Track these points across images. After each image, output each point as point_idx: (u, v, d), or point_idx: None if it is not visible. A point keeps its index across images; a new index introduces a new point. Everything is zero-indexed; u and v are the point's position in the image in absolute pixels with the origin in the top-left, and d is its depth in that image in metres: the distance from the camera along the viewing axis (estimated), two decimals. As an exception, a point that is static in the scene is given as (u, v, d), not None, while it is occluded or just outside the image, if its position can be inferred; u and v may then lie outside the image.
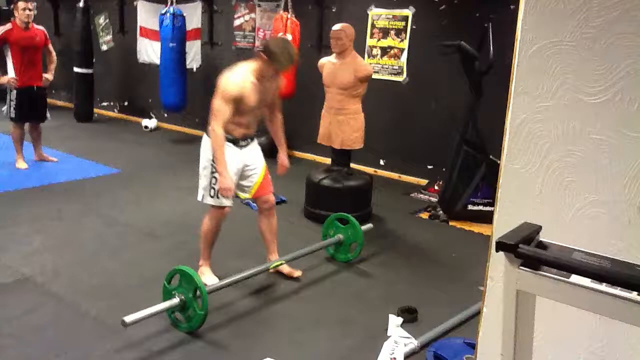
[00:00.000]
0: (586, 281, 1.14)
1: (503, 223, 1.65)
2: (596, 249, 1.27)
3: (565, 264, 1.17)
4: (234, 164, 3.22)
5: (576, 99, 1.55)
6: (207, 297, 2.79)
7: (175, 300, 2.82)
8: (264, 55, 3.09)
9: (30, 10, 5.46)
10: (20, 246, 3.82)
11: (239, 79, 3.09)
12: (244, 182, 3.37)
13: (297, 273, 3.57)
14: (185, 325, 2.86)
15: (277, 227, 3.58)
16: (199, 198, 3.28)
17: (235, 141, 3.22)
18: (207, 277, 3.34)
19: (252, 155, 3.36)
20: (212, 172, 3.17)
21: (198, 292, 2.79)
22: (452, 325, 3.01)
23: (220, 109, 3.04)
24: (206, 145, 3.21)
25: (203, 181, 3.24)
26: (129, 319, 2.60)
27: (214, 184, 3.17)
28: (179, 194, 5.25)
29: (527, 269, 1.21)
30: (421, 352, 2.78)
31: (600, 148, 1.54)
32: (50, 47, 5.79)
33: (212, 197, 3.21)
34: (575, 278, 1.16)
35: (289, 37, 5.96)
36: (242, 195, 3.45)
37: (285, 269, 3.56)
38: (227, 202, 3.24)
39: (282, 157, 3.50)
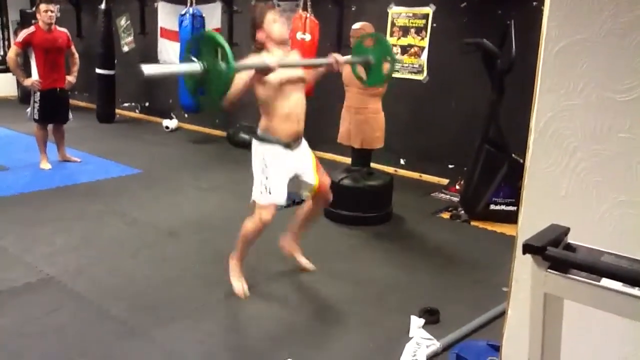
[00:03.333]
0: (617, 285, 1.11)
1: (528, 225, 1.61)
2: (626, 250, 1.23)
3: (596, 267, 1.14)
4: (286, 170, 3.15)
5: (604, 97, 1.51)
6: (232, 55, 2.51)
7: (198, 66, 2.56)
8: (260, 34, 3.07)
9: (52, 12, 5.52)
10: (43, 246, 3.87)
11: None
12: (303, 186, 3.28)
13: (311, 268, 3.59)
14: (214, 91, 2.61)
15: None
16: (254, 197, 3.14)
17: (285, 144, 3.13)
18: (236, 280, 3.26)
19: (302, 159, 3.27)
20: (263, 170, 3.10)
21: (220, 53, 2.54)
22: (475, 326, 2.97)
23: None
24: (255, 148, 3.16)
25: (256, 180, 3.13)
26: (147, 69, 2.47)
27: (265, 181, 3.08)
28: (200, 193, 5.28)
29: (555, 272, 1.18)
30: (444, 353, 2.74)
31: (629, 147, 1.50)
32: (73, 49, 5.86)
33: (261, 193, 3.09)
34: (605, 281, 1.12)
35: (308, 36, 5.95)
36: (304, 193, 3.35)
37: (303, 260, 3.59)
38: (276, 200, 3.11)
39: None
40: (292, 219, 3.57)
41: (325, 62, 3.26)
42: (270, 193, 3.09)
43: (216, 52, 2.54)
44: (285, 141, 3.12)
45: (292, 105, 3.11)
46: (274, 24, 3.06)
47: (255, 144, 3.18)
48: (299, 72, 3.16)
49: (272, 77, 2.96)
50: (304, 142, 3.30)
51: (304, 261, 3.60)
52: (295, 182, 3.24)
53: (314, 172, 3.29)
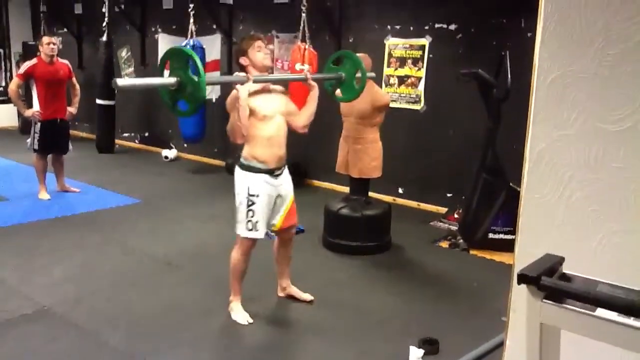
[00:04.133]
0: (613, 315, 1.11)
1: (524, 254, 1.62)
2: (622, 280, 1.23)
3: (590, 297, 1.14)
4: (268, 198, 3.18)
5: (597, 127, 1.53)
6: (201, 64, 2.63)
7: (171, 80, 2.62)
8: (243, 60, 3.18)
9: (54, 44, 5.60)
10: (41, 277, 3.85)
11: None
12: (273, 217, 3.28)
13: (308, 298, 3.58)
14: (192, 104, 2.69)
15: (291, 254, 3.58)
16: (238, 231, 3.21)
17: (270, 171, 3.18)
18: (238, 314, 3.27)
19: (285, 187, 3.31)
20: (249, 206, 3.13)
21: (191, 64, 2.61)
22: (474, 356, 2.93)
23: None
24: (240, 179, 3.18)
25: (240, 215, 3.17)
26: (120, 82, 2.49)
27: (251, 217, 3.13)
28: (198, 223, 5.28)
29: (550, 301, 1.18)
30: (443, 385, 2.72)
31: (624, 176, 1.51)
32: (74, 80, 5.92)
33: (249, 230, 3.15)
34: (601, 311, 1.13)
35: (307, 67, 6.02)
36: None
37: (298, 293, 3.58)
38: (261, 235, 3.20)
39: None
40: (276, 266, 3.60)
41: (298, 77, 3.43)
42: (257, 230, 3.15)
43: (187, 64, 2.63)
44: (270, 167, 3.16)
45: (273, 130, 3.16)
46: (258, 52, 3.17)
47: (239, 173, 3.20)
48: (282, 105, 3.27)
49: (255, 105, 3.08)
50: (287, 172, 3.33)
51: (302, 296, 3.60)
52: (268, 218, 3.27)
53: (283, 213, 3.30)
